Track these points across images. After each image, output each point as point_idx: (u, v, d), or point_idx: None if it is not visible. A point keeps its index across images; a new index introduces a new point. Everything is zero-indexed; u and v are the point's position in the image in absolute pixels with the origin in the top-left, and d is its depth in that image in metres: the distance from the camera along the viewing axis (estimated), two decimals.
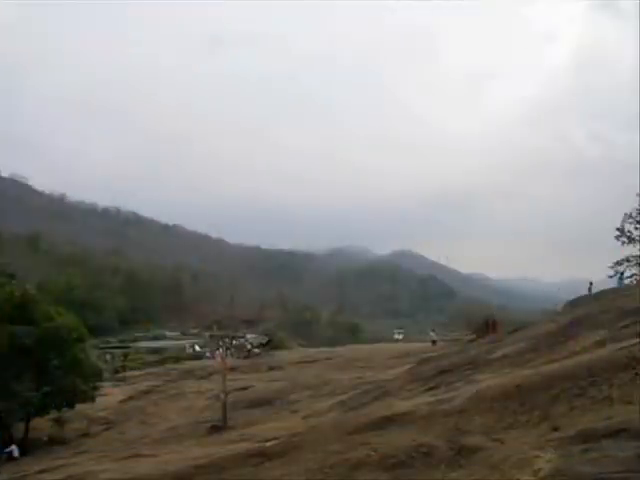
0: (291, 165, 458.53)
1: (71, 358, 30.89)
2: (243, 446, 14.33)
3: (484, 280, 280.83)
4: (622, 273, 32.09)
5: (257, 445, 13.38)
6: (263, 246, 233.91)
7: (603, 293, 22.69)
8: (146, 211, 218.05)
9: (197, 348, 71.67)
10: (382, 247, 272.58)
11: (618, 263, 32.45)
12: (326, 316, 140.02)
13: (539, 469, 6.01)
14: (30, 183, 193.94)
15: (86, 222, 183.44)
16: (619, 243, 32.95)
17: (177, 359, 62.67)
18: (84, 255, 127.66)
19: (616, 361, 8.89)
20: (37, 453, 27.75)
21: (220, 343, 41.43)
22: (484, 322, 36.06)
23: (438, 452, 7.40)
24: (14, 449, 27.15)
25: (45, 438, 30.72)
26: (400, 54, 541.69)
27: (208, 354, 60.76)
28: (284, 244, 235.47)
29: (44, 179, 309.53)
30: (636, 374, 8.05)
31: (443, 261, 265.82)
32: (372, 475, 7.26)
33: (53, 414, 31.26)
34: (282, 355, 52.14)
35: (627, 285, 29.26)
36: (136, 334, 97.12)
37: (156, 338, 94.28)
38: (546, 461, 6.17)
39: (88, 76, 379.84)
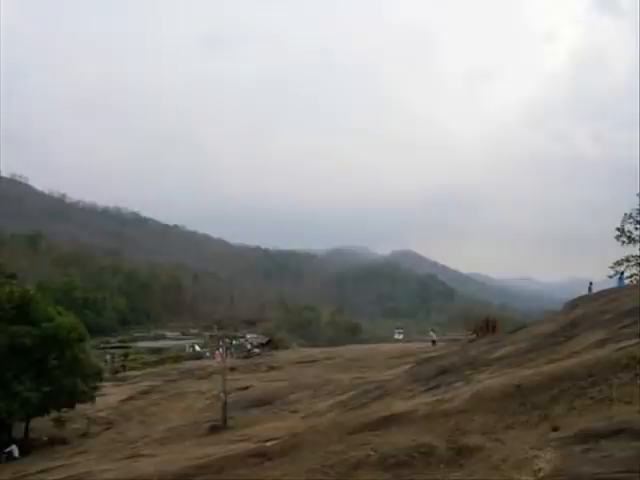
0: (291, 165, 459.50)
1: (71, 358, 30.87)
2: (243, 446, 14.31)
3: (484, 280, 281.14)
4: (622, 273, 32.11)
5: (257, 445, 13.36)
6: (263, 246, 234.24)
7: (603, 293, 22.60)
8: (146, 211, 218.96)
9: (197, 348, 71.73)
10: (382, 247, 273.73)
11: (618, 263, 32.49)
12: (326, 316, 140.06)
13: (539, 469, 6.01)
14: (30, 183, 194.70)
15: (86, 222, 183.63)
16: (619, 243, 33.02)
17: (177, 359, 62.70)
18: (84, 255, 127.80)
19: (616, 361, 8.86)
20: (37, 453, 27.74)
21: (220, 343, 41.39)
22: (484, 322, 36.07)
23: (438, 452, 7.40)
24: (14, 449, 27.17)
25: (45, 438, 30.70)
26: (400, 54, 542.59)
27: (208, 354, 60.74)
28: (284, 244, 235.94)
29: (44, 179, 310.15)
30: (636, 374, 8.04)
31: (443, 261, 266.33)
32: (372, 475, 7.25)
33: (53, 414, 31.26)
34: (282, 355, 52.10)
35: (627, 285, 29.22)
36: (136, 334, 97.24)
37: (156, 338, 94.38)
38: (546, 461, 6.17)
39: (88, 76, 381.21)
